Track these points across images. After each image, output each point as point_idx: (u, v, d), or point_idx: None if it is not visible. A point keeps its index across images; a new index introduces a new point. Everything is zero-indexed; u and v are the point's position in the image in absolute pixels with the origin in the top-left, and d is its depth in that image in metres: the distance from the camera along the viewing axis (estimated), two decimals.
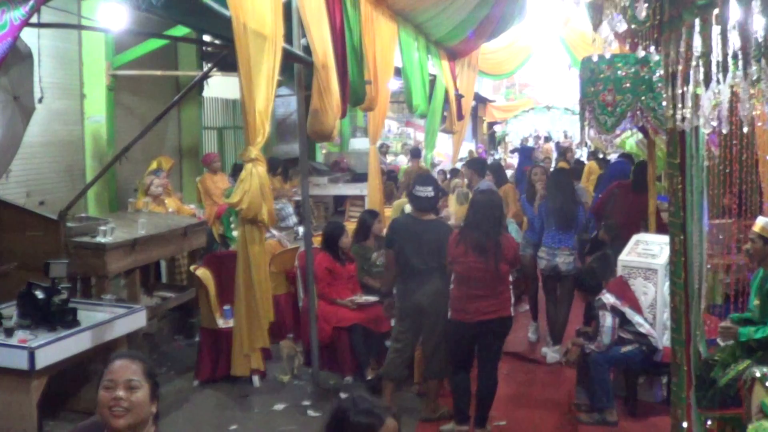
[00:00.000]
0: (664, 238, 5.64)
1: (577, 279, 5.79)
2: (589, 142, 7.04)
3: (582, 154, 17.25)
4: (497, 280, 4.87)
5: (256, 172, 5.16)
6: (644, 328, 5.29)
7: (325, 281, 6.19)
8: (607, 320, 5.19)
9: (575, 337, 5.73)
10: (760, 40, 1.99)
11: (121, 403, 2.30)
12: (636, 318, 5.32)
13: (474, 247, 4.83)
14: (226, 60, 6.57)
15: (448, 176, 11.52)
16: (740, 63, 2.06)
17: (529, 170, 7.92)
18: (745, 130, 2.20)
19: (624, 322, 5.24)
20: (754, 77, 2.03)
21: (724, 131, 2.25)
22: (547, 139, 22.78)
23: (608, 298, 5.27)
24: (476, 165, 8.70)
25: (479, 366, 5.06)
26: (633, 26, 2.69)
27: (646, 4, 2.37)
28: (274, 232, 7.41)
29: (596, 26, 2.92)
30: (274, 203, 6.68)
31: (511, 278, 5.14)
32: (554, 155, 18.27)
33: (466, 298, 4.88)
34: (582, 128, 6.42)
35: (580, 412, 5.36)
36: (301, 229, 7.89)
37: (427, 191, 5.26)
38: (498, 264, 4.83)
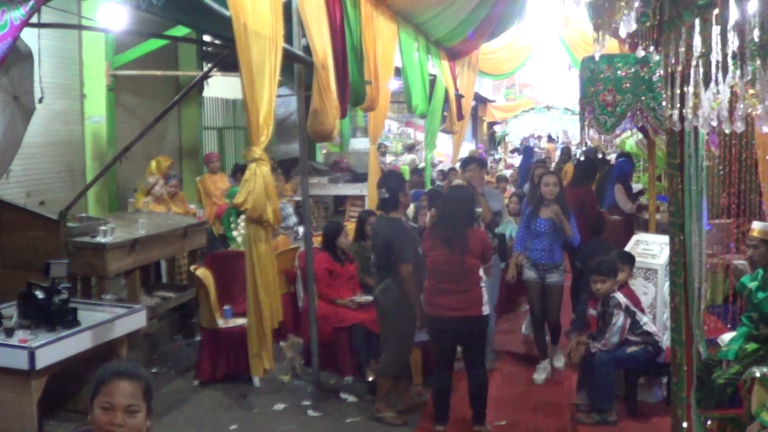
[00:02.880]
0: (664, 238, 5.65)
1: (608, 263, 5.56)
2: (589, 142, 7.02)
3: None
4: (464, 275, 4.85)
5: (260, 172, 5.16)
6: (650, 327, 5.30)
7: (324, 281, 6.19)
8: (620, 319, 5.19)
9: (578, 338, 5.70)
10: (756, 39, 1.99)
11: (119, 429, 2.27)
12: (644, 318, 5.34)
13: (440, 241, 4.87)
14: (227, 60, 6.57)
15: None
16: (738, 62, 2.06)
17: (534, 168, 7.84)
18: (740, 130, 2.18)
19: (633, 323, 5.24)
20: (749, 77, 2.03)
21: (727, 131, 2.25)
22: (550, 139, 22.79)
23: (621, 297, 5.27)
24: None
25: (465, 364, 5.12)
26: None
27: (634, 15, 2.37)
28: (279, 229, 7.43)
29: (597, 26, 2.92)
30: None
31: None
32: (556, 155, 18.26)
33: (435, 291, 4.93)
34: (582, 128, 6.42)
35: (579, 412, 5.36)
36: (301, 229, 7.89)
37: (382, 193, 5.31)
38: (463, 257, 4.82)
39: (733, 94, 2.19)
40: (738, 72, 2.07)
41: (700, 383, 3.76)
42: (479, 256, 4.93)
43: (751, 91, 2.11)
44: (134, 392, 2.31)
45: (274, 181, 5.49)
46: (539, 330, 6.25)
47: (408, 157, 16.95)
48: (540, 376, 6.09)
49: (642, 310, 5.45)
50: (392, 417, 5.27)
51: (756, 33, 1.96)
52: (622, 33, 2.63)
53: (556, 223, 5.99)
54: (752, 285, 4.22)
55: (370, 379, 5.82)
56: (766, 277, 4.31)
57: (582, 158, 9.21)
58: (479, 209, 6.05)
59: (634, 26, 2.41)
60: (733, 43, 2.06)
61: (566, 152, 16.02)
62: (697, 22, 2.28)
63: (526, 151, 16.72)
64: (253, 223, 5.28)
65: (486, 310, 4.98)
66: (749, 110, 2.12)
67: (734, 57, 2.08)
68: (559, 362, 6.34)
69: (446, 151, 16.64)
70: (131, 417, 2.29)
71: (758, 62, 1.99)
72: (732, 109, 2.22)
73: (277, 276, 6.77)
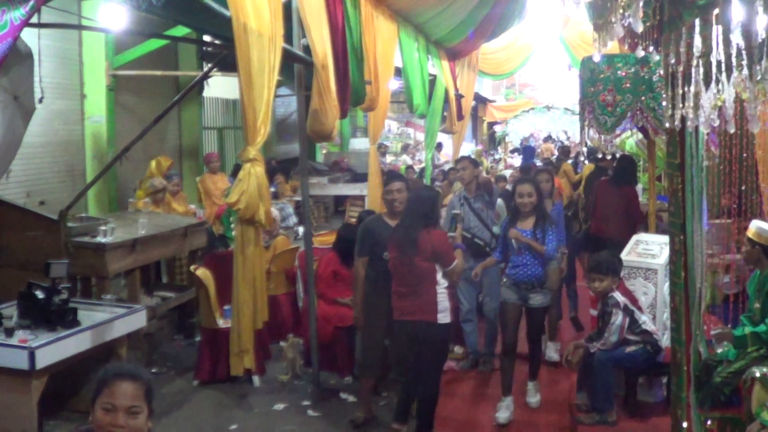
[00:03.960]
0: (664, 238, 5.65)
1: (606, 262, 5.43)
2: (589, 142, 7.02)
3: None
4: (417, 278, 4.69)
5: (254, 173, 5.16)
6: (649, 326, 5.31)
7: (327, 282, 6.17)
8: (619, 318, 5.18)
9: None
10: (762, 39, 1.98)
11: (121, 430, 2.28)
12: (642, 317, 5.33)
13: (395, 243, 4.81)
14: (226, 60, 6.57)
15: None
16: (744, 63, 2.05)
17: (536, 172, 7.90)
18: (755, 130, 2.18)
19: (632, 322, 5.24)
20: (759, 77, 2.03)
21: (731, 131, 2.25)
22: (550, 138, 22.80)
23: (620, 296, 5.27)
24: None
25: (416, 372, 4.92)
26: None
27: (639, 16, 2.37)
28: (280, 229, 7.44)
29: (598, 27, 2.91)
30: (273, 203, 6.67)
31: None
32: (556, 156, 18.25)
33: (396, 295, 4.84)
34: (582, 128, 6.42)
35: (579, 412, 5.35)
36: (301, 229, 7.90)
37: None
38: (412, 259, 4.67)
39: (736, 94, 2.18)
40: (742, 72, 2.06)
41: (699, 383, 3.76)
42: (432, 259, 4.68)
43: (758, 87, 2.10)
44: (136, 393, 2.32)
45: (269, 181, 5.49)
46: (510, 360, 5.52)
47: (401, 158, 17.15)
48: (503, 414, 5.32)
49: (639, 309, 5.45)
50: (358, 417, 5.21)
51: (762, 34, 1.95)
52: (620, 33, 2.62)
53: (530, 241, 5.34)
54: (748, 330, 4.22)
55: None
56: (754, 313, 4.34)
57: (618, 156, 9.49)
58: (456, 211, 5.94)
59: (640, 27, 2.41)
60: (738, 43, 2.06)
61: (564, 151, 15.98)
62: (697, 22, 2.28)
63: (526, 151, 16.73)
64: (244, 224, 5.29)
65: (443, 318, 4.69)
66: (759, 108, 2.12)
67: (738, 56, 2.07)
68: (554, 354, 6.47)
69: (447, 152, 16.70)
70: (133, 418, 2.30)
71: (765, 63, 1.98)
72: (736, 109, 2.22)
73: (274, 276, 6.81)
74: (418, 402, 4.86)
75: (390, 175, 5.51)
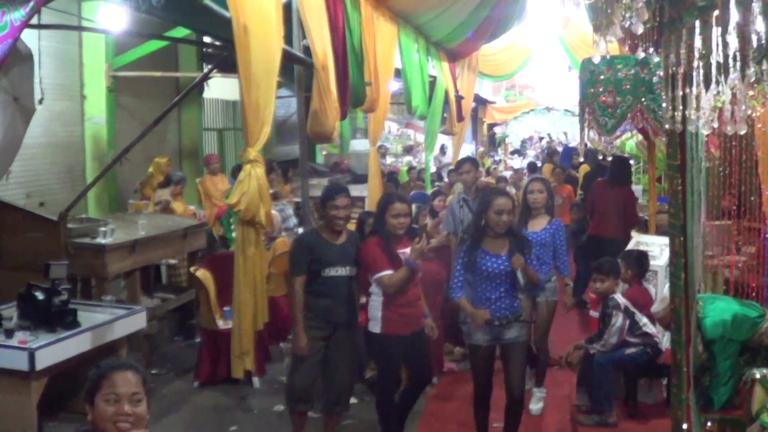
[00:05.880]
0: (664, 240, 5.65)
1: (609, 263, 5.41)
2: (589, 144, 7.02)
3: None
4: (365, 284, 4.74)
5: (255, 174, 5.17)
6: (650, 328, 5.31)
7: None
8: (619, 320, 5.19)
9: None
10: (762, 41, 1.98)
11: (127, 418, 2.32)
12: (643, 319, 5.34)
13: None
14: (226, 61, 6.57)
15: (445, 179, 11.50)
16: (738, 64, 2.05)
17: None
18: (742, 132, 2.18)
19: (632, 324, 5.24)
20: (752, 79, 2.03)
21: (729, 133, 2.24)
22: (550, 139, 22.81)
23: (620, 298, 5.28)
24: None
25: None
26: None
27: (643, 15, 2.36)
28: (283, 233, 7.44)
29: (597, 28, 2.91)
30: (273, 204, 6.68)
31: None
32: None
33: None
34: (582, 130, 6.42)
35: (579, 413, 5.35)
36: (301, 231, 7.89)
37: None
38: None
39: (734, 95, 2.18)
40: (738, 74, 2.07)
41: (695, 384, 3.76)
42: (364, 267, 4.62)
43: (750, 93, 2.10)
44: (136, 381, 2.38)
45: (271, 182, 5.47)
46: (483, 410, 4.57)
47: (405, 159, 17.14)
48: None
49: (650, 312, 5.44)
50: None
51: (761, 35, 1.95)
52: (619, 34, 2.62)
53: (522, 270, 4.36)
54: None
55: (368, 377, 5.82)
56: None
57: (612, 158, 9.61)
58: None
59: (640, 29, 2.41)
60: (734, 45, 2.06)
61: (549, 152, 15.94)
62: (697, 23, 2.28)
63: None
64: (245, 225, 5.29)
65: (371, 327, 4.58)
66: (749, 112, 2.12)
67: (734, 59, 2.07)
68: (537, 405, 5.50)
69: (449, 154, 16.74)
70: (137, 406, 2.35)
71: (764, 65, 1.98)
72: (732, 110, 2.22)
73: (274, 278, 6.80)
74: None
75: (334, 188, 4.81)
